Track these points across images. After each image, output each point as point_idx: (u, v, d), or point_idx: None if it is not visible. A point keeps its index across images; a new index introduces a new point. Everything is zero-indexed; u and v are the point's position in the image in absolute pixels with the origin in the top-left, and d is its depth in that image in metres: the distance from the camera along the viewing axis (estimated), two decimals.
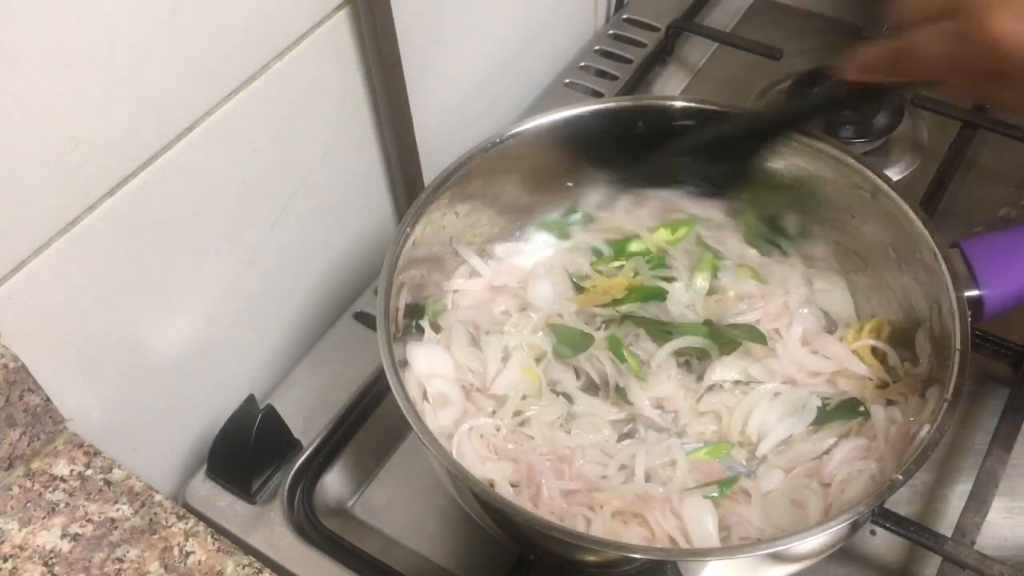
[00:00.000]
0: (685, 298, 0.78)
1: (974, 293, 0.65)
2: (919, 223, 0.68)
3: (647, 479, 0.69)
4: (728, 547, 0.62)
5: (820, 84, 0.95)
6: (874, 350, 0.73)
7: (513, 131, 0.74)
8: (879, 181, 0.70)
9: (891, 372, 0.72)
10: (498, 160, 0.74)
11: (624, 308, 0.76)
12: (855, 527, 0.61)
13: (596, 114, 0.76)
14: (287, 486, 0.74)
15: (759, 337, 0.73)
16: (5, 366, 0.60)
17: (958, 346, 0.62)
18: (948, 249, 0.66)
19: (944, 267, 0.65)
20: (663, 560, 0.58)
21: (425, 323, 0.74)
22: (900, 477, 0.57)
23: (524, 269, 0.79)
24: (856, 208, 0.74)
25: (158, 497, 0.63)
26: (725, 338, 0.74)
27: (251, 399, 0.73)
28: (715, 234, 0.80)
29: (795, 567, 0.61)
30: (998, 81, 0.55)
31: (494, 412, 0.72)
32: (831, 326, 0.77)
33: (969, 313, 0.64)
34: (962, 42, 0.54)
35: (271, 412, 0.73)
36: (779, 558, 0.58)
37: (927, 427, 0.60)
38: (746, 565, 0.59)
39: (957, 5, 0.54)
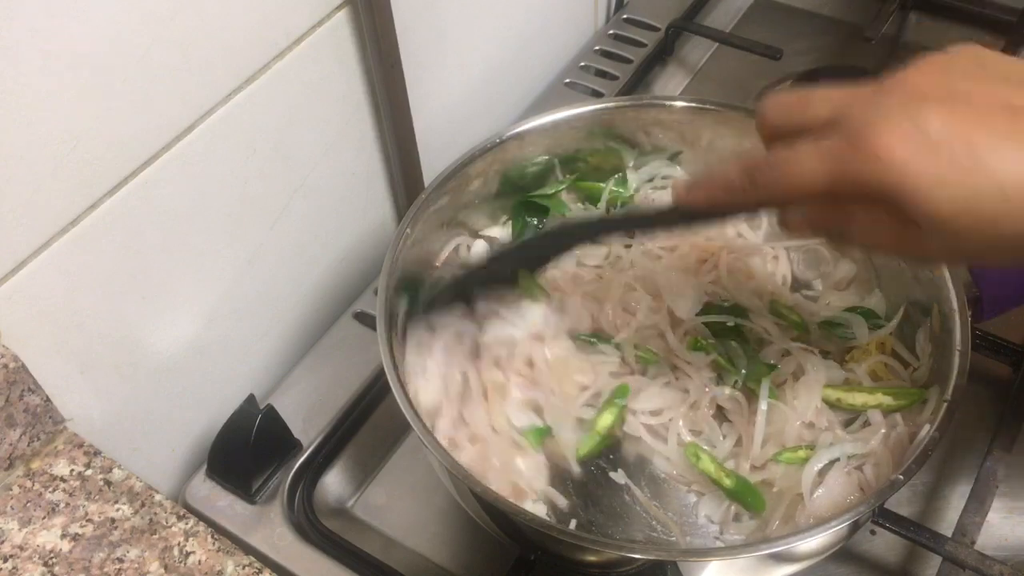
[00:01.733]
0: None
1: (973, 293, 0.65)
2: None
3: None
4: (729, 547, 0.62)
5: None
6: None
7: (513, 131, 0.74)
8: None
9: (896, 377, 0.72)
10: (498, 159, 0.75)
11: None
12: (855, 527, 0.61)
13: (594, 115, 0.76)
14: (287, 486, 0.74)
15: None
16: (5, 366, 0.60)
17: (958, 346, 0.62)
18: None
19: (945, 267, 0.65)
20: (663, 560, 0.58)
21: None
22: (901, 477, 0.57)
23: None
24: None
25: (158, 497, 0.63)
26: None
27: (251, 399, 0.73)
28: None
29: (796, 567, 0.61)
30: (858, 210, 0.47)
31: None
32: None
33: (969, 313, 0.64)
34: (837, 159, 0.45)
35: (271, 412, 0.73)
36: (779, 558, 0.59)
37: (927, 427, 0.60)
38: (746, 565, 0.59)
39: (837, 116, 0.46)
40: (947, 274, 0.65)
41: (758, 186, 0.50)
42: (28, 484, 0.63)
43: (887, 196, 0.43)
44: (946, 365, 0.62)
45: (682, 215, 0.58)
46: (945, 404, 0.60)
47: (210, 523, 0.71)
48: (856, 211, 0.47)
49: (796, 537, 0.56)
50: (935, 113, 0.42)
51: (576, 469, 0.69)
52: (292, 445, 0.76)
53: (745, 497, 0.66)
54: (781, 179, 0.48)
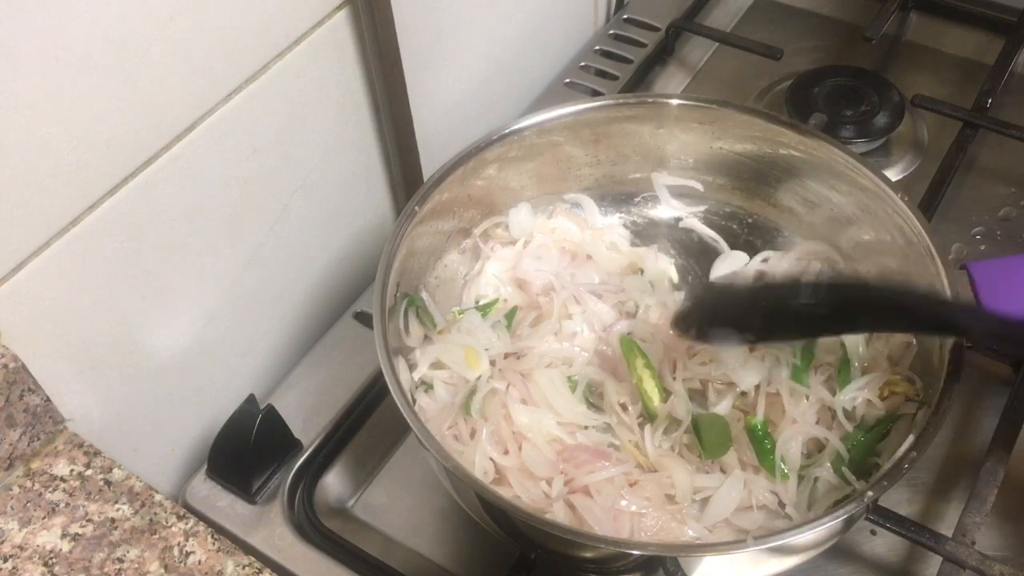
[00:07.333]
0: None
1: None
2: (920, 227, 0.67)
3: None
4: (724, 543, 0.63)
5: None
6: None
7: (515, 127, 0.75)
8: (881, 183, 0.70)
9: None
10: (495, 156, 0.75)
11: None
12: (849, 522, 0.61)
13: (604, 111, 0.77)
14: (287, 486, 0.74)
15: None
16: (5, 366, 0.60)
17: (946, 367, 0.61)
18: (955, 271, 0.65)
19: (945, 280, 0.65)
20: (663, 555, 0.58)
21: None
22: (871, 493, 0.57)
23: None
24: (856, 217, 0.73)
25: (158, 497, 0.63)
26: None
27: (251, 399, 0.73)
28: None
29: (792, 560, 0.61)
30: None
31: None
32: None
33: (967, 341, 0.63)
34: None
35: (271, 412, 0.73)
36: (776, 552, 0.59)
37: (906, 443, 0.60)
38: (743, 559, 0.59)
39: None
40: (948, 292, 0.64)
41: None
42: (28, 484, 0.63)
43: None
44: (934, 384, 0.62)
45: None
46: (926, 423, 0.59)
47: (210, 523, 0.71)
48: None
49: (790, 532, 0.56)
50: None
51: None
52: (292, 445, 0.76)
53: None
54: None
